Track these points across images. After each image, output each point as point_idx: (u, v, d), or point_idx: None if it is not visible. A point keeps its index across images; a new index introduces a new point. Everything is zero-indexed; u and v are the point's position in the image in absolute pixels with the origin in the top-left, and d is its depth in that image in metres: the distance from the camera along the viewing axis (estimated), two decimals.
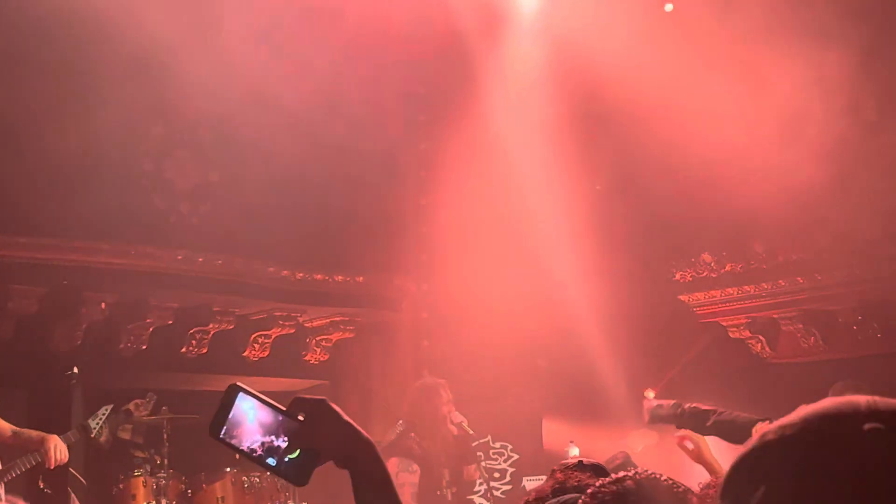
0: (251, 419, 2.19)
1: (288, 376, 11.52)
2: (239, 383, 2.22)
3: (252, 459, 2.20)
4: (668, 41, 10.19)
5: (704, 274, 11.52)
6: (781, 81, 10.10)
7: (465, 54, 10.55)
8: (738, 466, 1.31)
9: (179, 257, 9.91)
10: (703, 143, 10.50)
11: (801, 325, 11.19)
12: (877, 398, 1.28)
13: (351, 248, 10.75)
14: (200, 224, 10.03)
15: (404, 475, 8.23)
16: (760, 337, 11.49)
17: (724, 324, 11.61)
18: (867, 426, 1.23)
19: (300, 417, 2.19)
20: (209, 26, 9.40)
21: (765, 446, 1.29)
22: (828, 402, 1.30)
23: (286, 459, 2.18)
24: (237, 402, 2.19)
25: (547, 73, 10.81)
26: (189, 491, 9.44)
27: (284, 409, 2.20)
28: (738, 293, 11.37)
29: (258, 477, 9.53)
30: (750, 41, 10.06)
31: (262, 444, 2.18)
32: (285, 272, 10.66)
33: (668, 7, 10.83)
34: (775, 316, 11.34)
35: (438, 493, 8.52)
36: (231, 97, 9.63)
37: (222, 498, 9.40)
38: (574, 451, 10.07)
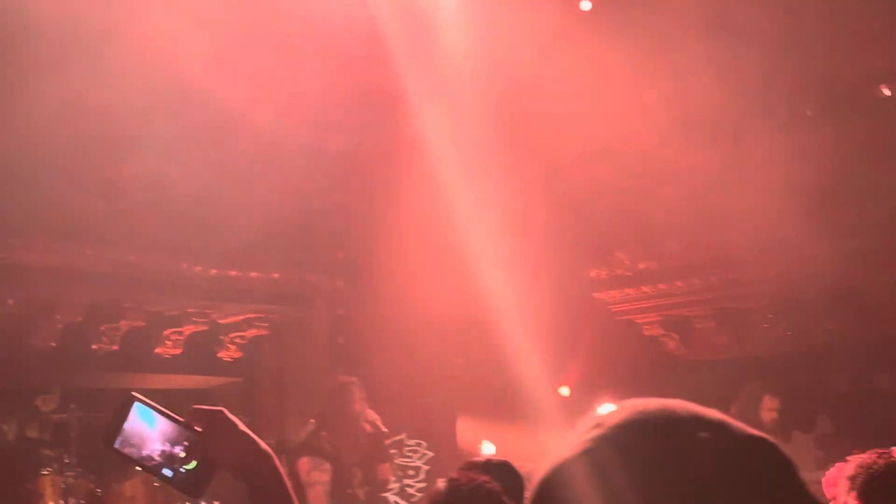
0: (147, 430, 2.13)
1: (201, 374, 11.39)
2: (135, 393, 2.17)
3: (148, 470, 2.14)
4: (586, 42, 10.24)
5: (619, 272, 11.61)
6: (694, 83, 10.22)
7: (385, 53, 10.51)
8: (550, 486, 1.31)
9: (89, 253, 9.74)
10: (620, 143, 10.59)
11: (713, 324, 11.33)
12: (689, 405, 1.31)
13: (266, 244, 10.66)
14: (113, 220, 9.87)
15: (315, 474, 8.20)
16: (674, 334, 11.61)
17: (638, 321, 11.71)
18: (701, 434, 1.26)
19: (197, 428, 2.14)
20: (128, 20, 9.26)
21: (578, 464, 1.30)
22: (637, 414, 1.31)
23: (182, 471, 2.13)
24: (133, 411, 2.14)
25: (467, 73, 10.81)
26: (98, 490, 9.30)
27: (182, 419, 2.15)
28: (652, 291, 11.47)
29: None
30: (667, 43, 10.16)
31: (158, 454, 2.13)
32: (198, 268, 10.53)
33: (585, 6, 10.92)
34: (688, 314, 11.46)
35: (350, 491, 8.50)
36: (149, 92, 9.50)
37: (132, 497, 9.27)
38: (488, 449, 10.11)
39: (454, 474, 3.75)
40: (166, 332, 10.90)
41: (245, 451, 2.16)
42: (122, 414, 2.13)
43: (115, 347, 10.46)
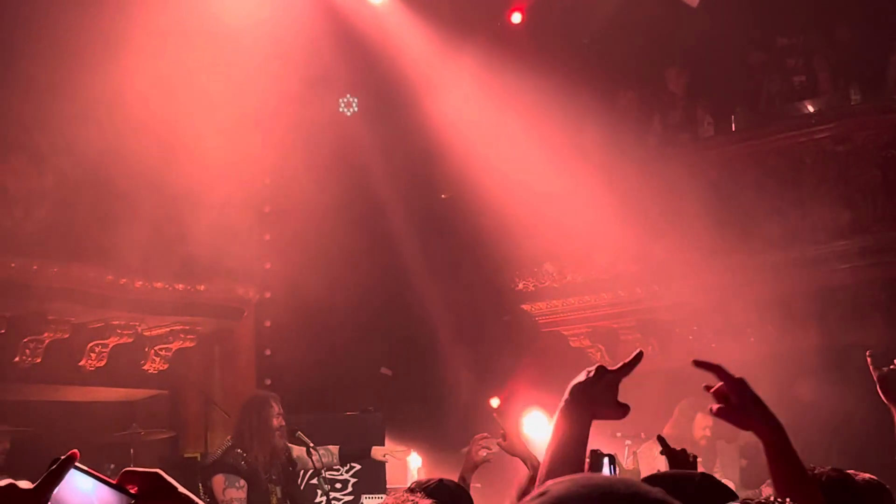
0: (79, 494, 2.05)
1: (126, 386, 11.25)
2: (64, 456, 2.08)
3: None
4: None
5: (546, 284, 11.67)
6: None
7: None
8: None
9: (13, 265, 9.58)
10: (543, 155, 10.69)
11: (639, 335, 11.43)
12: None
13: (192, 255, 10.57)
14: (36, 230, 9.73)
15: (231, 491, 8.12)
16: (600, 346, 11.69)
17: (564, 333, 11.77)
18: None
19: (133, 491, 2.07)
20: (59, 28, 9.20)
21: None
22: (581, 486, 1.37)
23: None
24: (66, 476, 2.05)
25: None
26: None
27: (115, 482, 2.07)
28: (578, 303, 11.53)
29: None
30: None
31: None
32: (124, 280, 10.40)
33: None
34: (614, 325, 11.54)
35: None
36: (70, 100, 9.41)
37: None
38: (415, 461, 10.10)
39: (398, 496, 3.69)
40: (90, 344, 10.75)
41: None
42: (55, 477, 2.05)
43: (38, 360, 10.29)
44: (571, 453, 2.58)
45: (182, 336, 11.34)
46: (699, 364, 2.81)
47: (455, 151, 11.06)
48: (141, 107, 9.62)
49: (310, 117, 10.62)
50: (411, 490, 3.88)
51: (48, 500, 1.97)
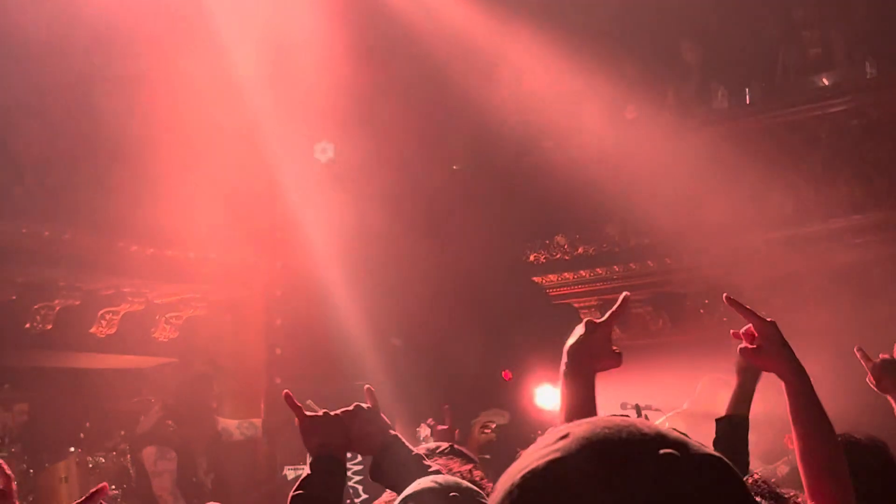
0: None
1: (136, 354, 11.27)
2: None
3: None
4: None
5: (558, 256, 11.65)
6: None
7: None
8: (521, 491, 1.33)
9: (24, 231, 9.59)
10: (555, 127, 10.65)
11: (650, 308, 11.41)
12: (653, 426, 1.37)
13: (204, 223, 10.55)
14: (46, 197, 9.73)
15: (162, 463, 8.26)
16: None
17: (576, 305, 11.76)
18: (662, 451, 1.31)
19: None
20: None
21: (549, 471, 1.32)
22: (602, 427, 1.35)
23: None
24: None
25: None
26: (31, 470, 9.19)
27: None
28: (590, 275, 11.52)
29: (103, 457, 9.34)
30: None
31: None
32: (135, 247, 10.40)
33: None
34: None
35: (195, 479, 8.56)
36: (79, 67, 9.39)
37: (66, 478, 9.16)
38: (423, 431, 10.11)
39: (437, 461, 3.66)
40: (101, 311, 10.77)
41: None
42: None
43: (48, 327, 10.31)
44: (585, 413, 2.59)
45: (193, 304, 11.35)
46: (731, 302, 2.88)
47: (466, 124, 11.02)
48: (155, 72, 9.60)
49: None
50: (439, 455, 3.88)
51: None
